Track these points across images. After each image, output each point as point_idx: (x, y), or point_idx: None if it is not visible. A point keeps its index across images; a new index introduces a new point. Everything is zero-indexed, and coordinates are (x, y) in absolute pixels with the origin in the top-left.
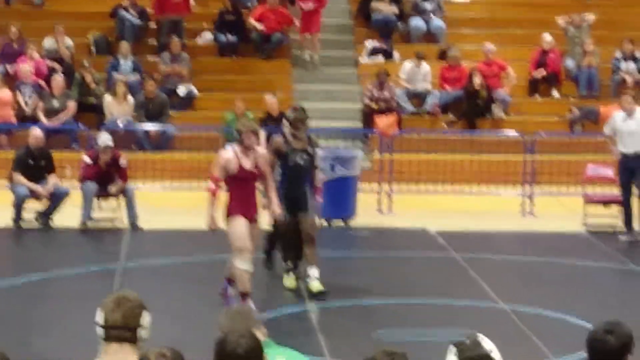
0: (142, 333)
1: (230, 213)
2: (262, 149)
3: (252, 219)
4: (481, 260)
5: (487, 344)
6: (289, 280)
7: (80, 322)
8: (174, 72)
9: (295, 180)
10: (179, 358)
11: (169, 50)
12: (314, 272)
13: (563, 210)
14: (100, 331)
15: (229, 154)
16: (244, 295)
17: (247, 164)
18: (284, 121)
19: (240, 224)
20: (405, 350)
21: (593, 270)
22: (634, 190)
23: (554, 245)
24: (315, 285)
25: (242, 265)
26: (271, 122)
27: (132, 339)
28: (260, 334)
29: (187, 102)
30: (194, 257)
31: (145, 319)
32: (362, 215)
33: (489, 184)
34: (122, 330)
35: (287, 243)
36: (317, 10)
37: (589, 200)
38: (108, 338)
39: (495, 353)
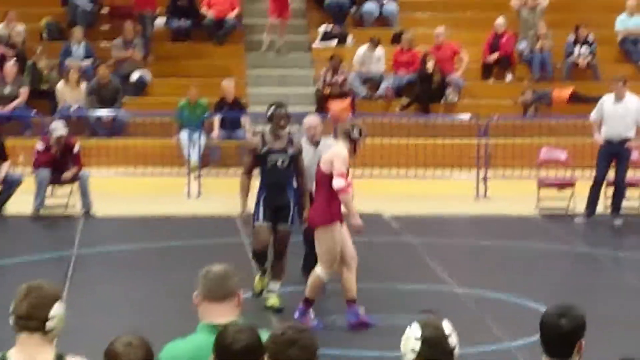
0: (50, 324)
1: (329, 220)
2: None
3: (342, 222)
4: (435, 244)
5: (448, 328)
6: (273, 299)
7: None
8: (127, 57)
9: (274, 185)
10: (147, 346)
11: (122, 36)
12: (275, 286)
13: (517, 194)
14: (10, 320)
15: (345, 150)
16: (307, 301)
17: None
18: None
19: (338, 237)
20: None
21: (547, 253)
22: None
23: (507, 229)
24: (271, 301)
25: (323, 274)
26: (225, 107)
27: (40, 329)
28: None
29: (141, 87)
30: (148, 244)
31: (56, 310)
32: None
33: (442, 167)
34: (28, 321)
35: (264, 257)
36: None
37: (543, 183)
38: (17, 327)
39: (453, 338)
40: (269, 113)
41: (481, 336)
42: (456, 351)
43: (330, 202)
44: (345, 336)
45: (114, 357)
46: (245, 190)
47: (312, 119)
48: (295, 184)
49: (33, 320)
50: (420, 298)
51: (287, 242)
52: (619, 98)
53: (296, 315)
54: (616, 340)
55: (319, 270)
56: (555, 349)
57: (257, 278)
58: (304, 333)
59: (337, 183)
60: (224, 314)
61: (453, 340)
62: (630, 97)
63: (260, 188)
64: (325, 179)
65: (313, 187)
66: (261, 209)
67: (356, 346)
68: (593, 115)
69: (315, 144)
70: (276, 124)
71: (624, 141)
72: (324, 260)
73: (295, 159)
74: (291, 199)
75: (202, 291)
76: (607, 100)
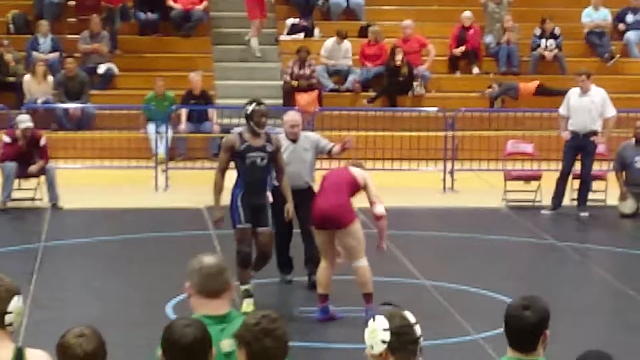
0: (9, 318)
1: (355, 215)
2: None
3: None
4: (402, 237)
5: (412, 318)
6: (249, 306)
7: None
8: (93, 50)
9: (253, 184)
10: (98, 336)
11: (89, 29)
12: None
13: (483, 186)
14: None
15: None
16: (370, 296)
17: None
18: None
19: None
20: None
21: (513, 246)
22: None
23: (474, 221)
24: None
25: (367, 261)
26: (192, 100)
27: None
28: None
29: (108, 80)
30: (116, 236)
31: (14, 304)
32: None
33: (409, 160)
34: None
35: (246, 261)
36: None
37: (509, 176)
38: None
39: (418, 327)
40: (249, 110)
41: (448, 328)
42: (421, 340)
43: (351, 200)
44: (310, 328)
45: (66, 349)
46: (219, 189)
47: (294, 116)
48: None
49: None
50: (388, 291)
51: (273, 244)
52: (584, 91)
53: (367, 314)
54: (581, 331)
55: (364, 262)
56: (520, 341)
57: (244, 303)
58: (277, 323)
59: (380, 209)
60: (219, 308)
61: (418, 329)
62: (595, 90)
63: (237, 187)
64: (353, 185)
65: (309, 182)
66: (241, 210)
67: (321, 338)
68: (562, 110)
69: (295, 140)
70: (256, 121)
71: (590, 134)
72: (361, 250)
73: (275, 157)
74: (267, 199)
75: (196, 286)
76: (573, 93)
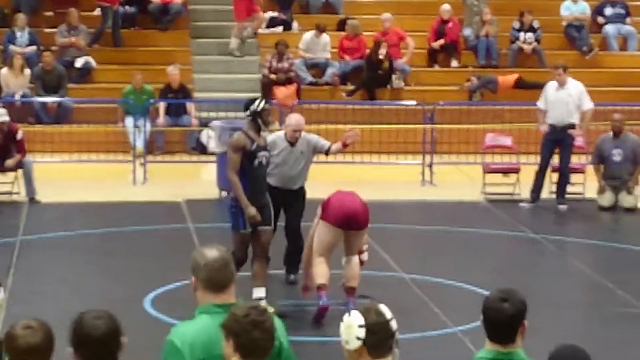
0: None
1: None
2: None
3: None
4: (381, 230)
5: (388, 313)
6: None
7: None
8: (71, 44)
9: (258, 184)
10: (45, 330)
11: (66, 22)
12: (260, 293)
13: (462, 179)
14: None
15: None
16: (353, 290)
17: None
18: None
19: None
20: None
21: (492, 239)
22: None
23: (453, 214)
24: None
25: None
26: (170, 93)
27: None
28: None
29: (85, 74)
30: (94, 230)
31: None
32: None
33: (388, 153)
34: None
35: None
36: None
37: (488, 169)
38: None
39: (394, 322)
40: (258, 107)
41: (427, 321)
42: (396, 335)
43: None
44: (289, 322)
45: (13, 340)
46: (242, 190)
47: (299, 120)
48: None
49: None
50: (365, 283)
51: (270, 243)
52: (561, 84)
53: (348, 307)
54: (560, 323)
55: (357, 257)
56: (499, 333)
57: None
58: (266, 315)
59: (366, 257)
60: (226, 299)
61: (394, 324)
62: (572, 83)
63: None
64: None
65: (301, 184)
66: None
67: (300, 332)
68: (539, 103)
69: (295, 143)
70: (265, 120)
71: (568, 127)
72: (360, 247)
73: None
74: (268, 197)
75: (202, 281)
76: (550, 86)
